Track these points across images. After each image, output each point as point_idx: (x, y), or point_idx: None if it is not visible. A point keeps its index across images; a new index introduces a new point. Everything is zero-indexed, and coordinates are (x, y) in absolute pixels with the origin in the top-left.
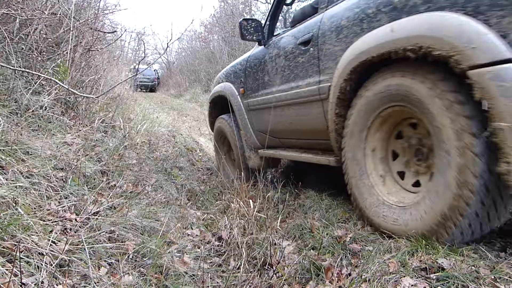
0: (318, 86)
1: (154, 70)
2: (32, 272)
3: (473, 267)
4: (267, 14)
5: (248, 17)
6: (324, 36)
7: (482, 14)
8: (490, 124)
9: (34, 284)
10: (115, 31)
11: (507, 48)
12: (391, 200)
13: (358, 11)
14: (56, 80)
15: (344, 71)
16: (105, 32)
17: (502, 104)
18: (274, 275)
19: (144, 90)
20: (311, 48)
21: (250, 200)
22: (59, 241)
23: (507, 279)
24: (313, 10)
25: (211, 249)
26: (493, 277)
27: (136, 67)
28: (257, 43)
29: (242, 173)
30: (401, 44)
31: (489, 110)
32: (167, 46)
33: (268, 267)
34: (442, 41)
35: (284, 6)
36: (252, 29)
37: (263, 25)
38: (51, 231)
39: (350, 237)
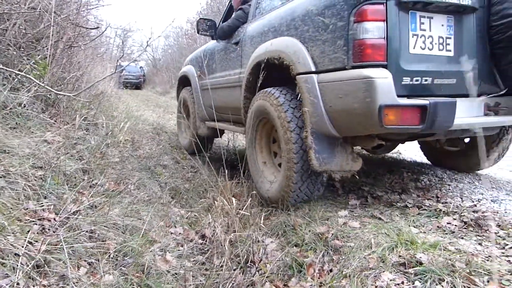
0: (239, 76)
1: (139, 67)
2: (7, 274)
3: (449, 261)
4: (222, 16)
5: (205, 17)
6: (245, 41)
7: (306, 43)
8: (301, 109)
9: (9, 286)
10: (98, 27)
11: (312, 65)
12: (268, 177)
13: (262, 28)
14: (32, 78)
15: (249, 67)
16: (87, 28)
17: (306, 97)
18: (257, 272)
19: (130, 88)
20: (238, 48)
21: (233, 198)
22: (37, 241)
23: (481, 272)
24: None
25: (194, 247)
26: (468, 270)
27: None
28: (211, 37)
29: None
30: (272, 54)
31: (301, 101)
32: (147, 45)
33: (251, 265)
34: (288, 55)
35: (233, 11)
36: (207, 26)
37: (217, 24)
38: (28, 231)
39: (332, 234)
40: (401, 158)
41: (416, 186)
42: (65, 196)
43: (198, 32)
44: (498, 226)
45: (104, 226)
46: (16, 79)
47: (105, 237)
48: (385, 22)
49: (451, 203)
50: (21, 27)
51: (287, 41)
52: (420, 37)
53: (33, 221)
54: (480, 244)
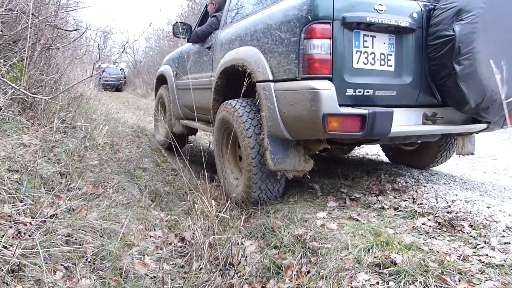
0: (210, 79)
1: (120, 69)
2: None
3: (423, 262)
4: (197, 20)
5: (181, 21)
6: (216, 46)
7: (265, 54)
8: (261, 114)
9: None
10: (77, 29)
11: (270, 74)
12: (234, 181)
13: (230, 36)
14: (7, 81)
15: (218, 72)
16: (66, 30)
17: (263, 103)
18: (236, 274)
19: (110, 90)
20: (210, 53)
21: (213, 201)
22: (12, 246)
23: (453, 272)
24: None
25: (173, 250)
26: (440, 270)
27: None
28: (186, 40)
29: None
30: (237, 62)
31: (260, 106)
32: (124, 49)
33: (230, 267)
34: (250, 64)
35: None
36: (183, 30)
37: (192, 28)
38: (3, 236)
39: (310, 236)
40: (379, 160)
41: (393, 187)
42: (41, 200)
43: (174, 35)
44: (471, 226)
45: (82, 230)
46: None
47: (83, 241)
48: (331, 39)
49: (426, 204)
50: None
51: (250, 50)
52: (363, 53)
53: (8, 225)
54: (453, 244)
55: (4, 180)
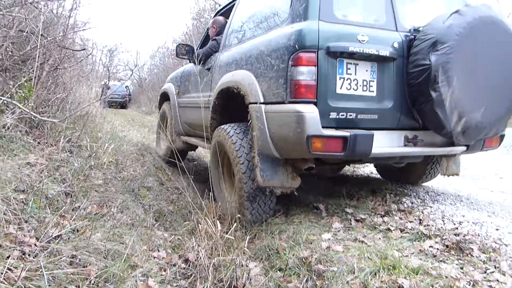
0: (209, 98)
1: (125, 87)
2: None
3: (431, 287)
4: (199, 42)
5: (184, 43)
6: (215, 68)
7: (258, 78)
8: (252, 134)
9: None
10: (84, 49)
11: (261, 96)
12: (229, 197)
13: (228, 59)
14: (16, 103)
15: (216, 92)
16: (73, 50)
17: (255, 123)
18: None
19: (115, 107)
20: (210, 74)
21: (218, 221)
22: (16, 268)
23: None
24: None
25: (177, 271)
26: None
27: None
28: (188, 60)
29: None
30: (233, 84)
31: (252, 126)
32: (131, 73)
33: None
34: (244, 87)
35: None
36: (185, 51)
37: (194, 49)
38: (8, 257)
39: (316, 258)
40: (384, 180)
41: (398, 208)
42: (46, 220)
43: (177, 56)
44: (480, 249)
45: (86, 251)
46: (1, 101)
47: (86, 263)
48: (316, 67)
49: (433, 226)
50: (7, 49)
51: (244, 74)
52: (346, 80)
53: (13, 247)
54: (461, 268)
55: (10, 201)
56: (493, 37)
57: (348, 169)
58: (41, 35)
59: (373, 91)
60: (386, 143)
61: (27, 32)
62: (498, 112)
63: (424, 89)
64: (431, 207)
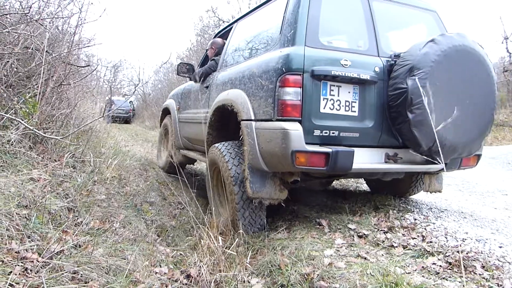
0: (206, 114)
1: (129, 102)
2: None
3: None
4: (199, 62)
5: (184, 62)
6: (213, 86)
7: (249, 97)
8: (243, 148)
9: None
10: (89, 65)
11: (252, 114)
12: (223, 211)
13: (224, 78)
14: (19, 120)
15: (212, 109)
16: (78, 66)
17: (246, 139)
18: None
19: (119, 122)
20: (208, 91)
21: (219, 237)
22: (18, 283)
23: None
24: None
25: (179, 287)
26: None
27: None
28: (188, 78)
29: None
30: (227, 102)
31: (243, 141)
32: (135, 90)
33: None
34: (237, 105)
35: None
36: (186, 69)
37: (194, 68)
38: (10, 273)
39: (318, 275)
40: (386, 195)
41: (401, 224)
42: (49, 236)
43: (178, 74)
44: (483, 267)
45: (88, 267)
46: (5, 117)
47: (88, 278)
48: (301, 88)
49: (436, 243)
50: (13, 65)
51: (238, 93)
52: (330, 100)
53: (16, 262)
54: (464, 286)
55: (13, 216)
56: (465, 64)
57: (351, 185)
58: (46, 51)
59: (355, 111)
60: (368, 159)
61: (32, 49)
62: (470, 134)
63: (402, 110)
64: (434, 223)
